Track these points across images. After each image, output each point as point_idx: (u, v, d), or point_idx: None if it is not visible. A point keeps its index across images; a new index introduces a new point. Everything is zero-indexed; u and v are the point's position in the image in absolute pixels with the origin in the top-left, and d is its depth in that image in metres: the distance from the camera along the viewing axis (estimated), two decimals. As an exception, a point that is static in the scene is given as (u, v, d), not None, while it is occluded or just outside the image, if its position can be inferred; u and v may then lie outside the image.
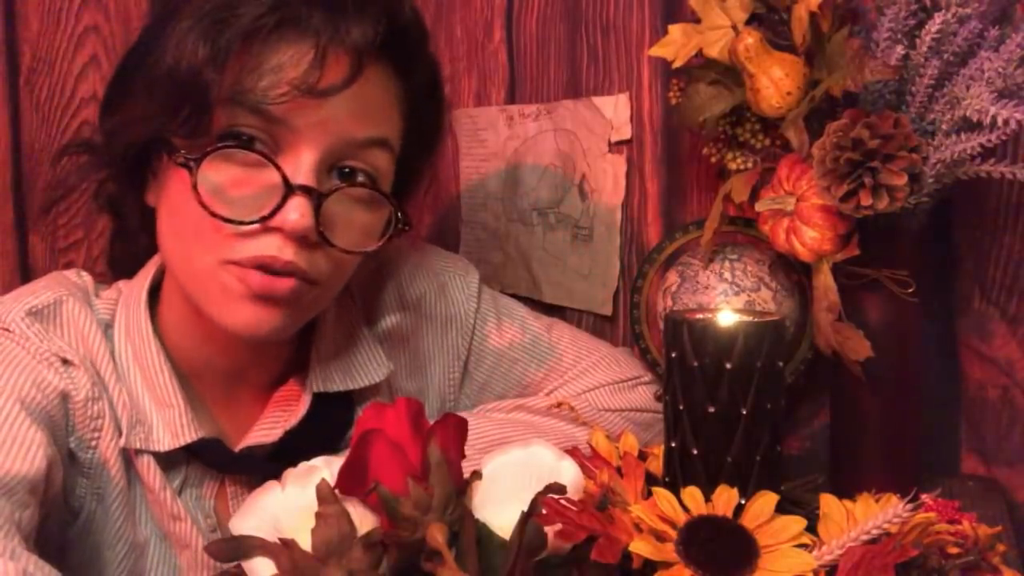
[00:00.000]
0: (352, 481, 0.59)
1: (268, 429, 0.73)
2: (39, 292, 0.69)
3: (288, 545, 0.57)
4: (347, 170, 0.66)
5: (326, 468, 0.61)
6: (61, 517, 0.68)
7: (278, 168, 0.62)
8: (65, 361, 0.67)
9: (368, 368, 0.79)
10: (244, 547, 0.57)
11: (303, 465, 0.62)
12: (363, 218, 0.67)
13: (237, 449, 0.73)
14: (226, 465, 0.73)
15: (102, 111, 0.72)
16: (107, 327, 0.71)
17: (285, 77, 0.61)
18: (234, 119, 0.62)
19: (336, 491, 0.59)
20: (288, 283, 0.64)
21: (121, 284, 0.75)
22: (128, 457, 0.70)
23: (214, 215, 0.62)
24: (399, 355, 0.85)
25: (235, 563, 0.58)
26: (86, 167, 0.76)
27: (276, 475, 0.61)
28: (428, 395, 0.86)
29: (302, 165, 0.63)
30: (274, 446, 0.73)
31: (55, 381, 0.65)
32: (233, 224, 0.62)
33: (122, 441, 0.68)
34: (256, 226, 0.62)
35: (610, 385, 0.89)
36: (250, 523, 0.59)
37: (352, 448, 0.59)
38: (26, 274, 1.18)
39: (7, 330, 0.66)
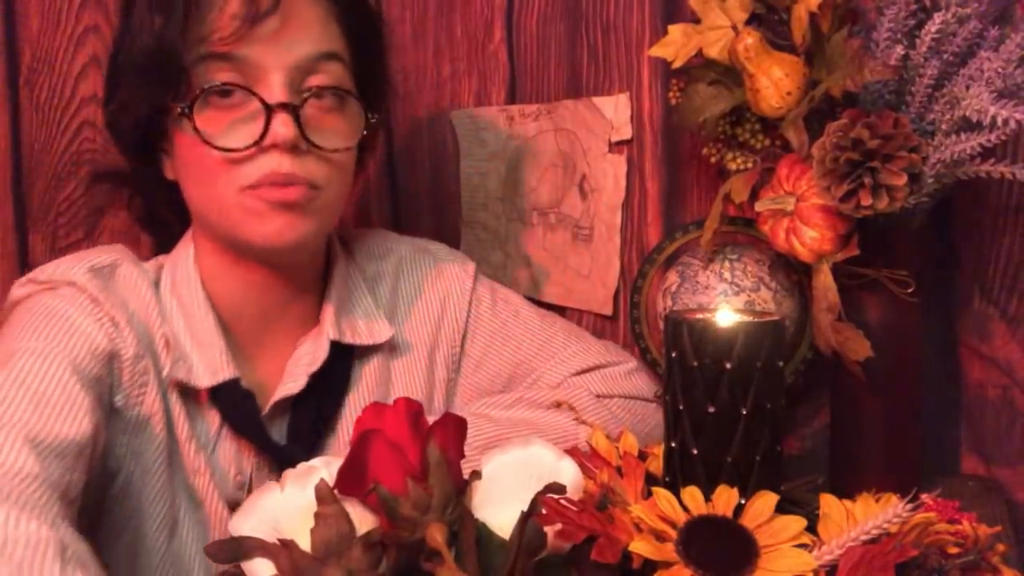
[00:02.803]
0: (351, 481, 0.59)
1: (293, 381, 0.81)
2: (99, 255, 0.78)
3: (287, 545, 0.57)
4: (312, 87, 0.76)
5: (325, 468, 0.61)
6: (99, 480, 0.72)
7: (255, 94, 0.73)
8: (116, 321, 0.74)
9: (373, 329, 0.86)
10: (243, 548, 0.57)
11: (302, 465, 0.62)
12: (338, 121, 0.77)
13: (271, 401, 0.80)
14: (254, 418, 0.79)
15: (104, 101, 0.81)
16: (155, 285, 0.80)
17: (228, 13, 0.72)
18: (208, 71, 0.73)
19: (335, 491, 0.59)
20: (296, 191, 0.74)
21: (160, 257, 0.84)
22: (168, 411, 0.76)
23: (216, 147, 0.73)
24: (398, 326, 0.90)
25: (234, 563, 0.58)
26: (114, 186, 0.89)
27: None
28: (431, 369, 0.91)
29: (274, 86, 0.73)
30: (298, 396, 0.81)
31: (104, 343, 0.72)
32: (235, 152, 0.73)
33: (165, 371, 0.76)
34: (254, 149, 0.73)
35: (601, 368, 0.91)
36: (249, 524, 0.59)
37: (351, 448, 0.59)
38: (26, 274, 1.18)
39: (73, 283, 0.74)
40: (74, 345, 0.69)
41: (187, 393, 0.77)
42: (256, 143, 0.72)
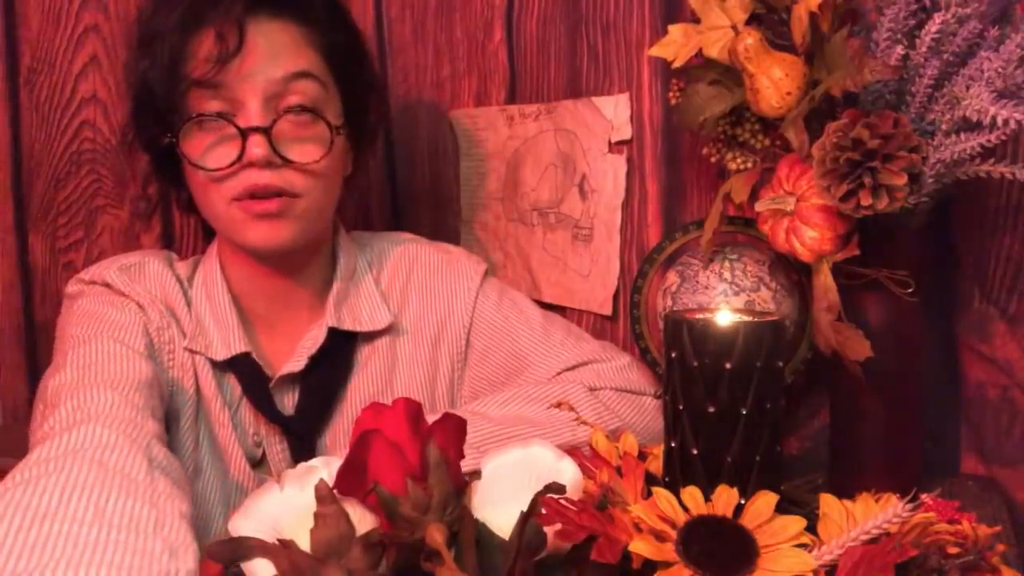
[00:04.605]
0: (351, 482, 0.59)
1: (296, 360, 0.91)
2: (130, 256, 0.92)
3: (287, 545, 0.57)
4: (289, 104, 0.84)
5: (324, 468, 0.61)
6: None
7: (230, 120, 0.82)
8: (141, 305, 0.87)
9: (374, 316, 0.94)
10: (243, 548, 0.57)
11: (302, 466, 0.62)
12: (308, 136, 0.85)
13: (277, 375, 0.90)
14: (262, 387, 0.89)
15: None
16: (183, 280, 0.92)
17: (202, 56, 0.82)
18: (192, 101, 0.83)
19: (335, 491, 0.59)
20: (274, 202, 0.83)
21: (197, 256, 0.96)
22: (196, 374, 0.88)
23: (202, 168, 0.83)
24: (407, 315, 0.96)
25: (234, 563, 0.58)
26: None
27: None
28: (435, 358, 0.96)
29: (251, 111, 0.82)
30: (301, 373, 0.90)
31: (135, 319, 0.86)
32: (217, 171, 0.83)
33: (185, 343, 0.88)
34: (236, 166, 0.82)
35: (595, 363, 0.93)
36: (249, 524, 0.59)
37: (351, 449, 0.59)
38: (26, 274, 1.18)
39: (107, 284, 0.88)
40: (111, 327, 0.83)
41: (210, 362, 0.89)
42: (236, 162, 0.82)
